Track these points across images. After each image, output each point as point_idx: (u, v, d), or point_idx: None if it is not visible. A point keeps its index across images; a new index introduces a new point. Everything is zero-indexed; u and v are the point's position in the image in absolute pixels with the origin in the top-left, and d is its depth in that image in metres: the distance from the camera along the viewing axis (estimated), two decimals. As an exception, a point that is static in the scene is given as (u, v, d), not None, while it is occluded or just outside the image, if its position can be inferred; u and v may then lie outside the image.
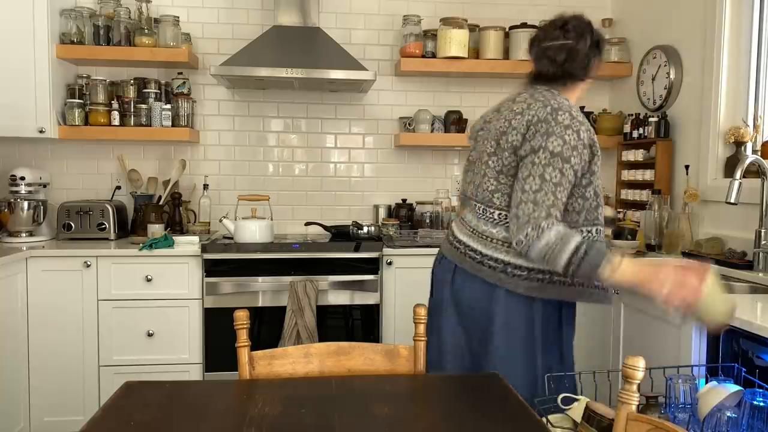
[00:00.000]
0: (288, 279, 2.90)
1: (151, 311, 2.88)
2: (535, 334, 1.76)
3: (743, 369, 1.68)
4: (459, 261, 1.83)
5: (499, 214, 1.76)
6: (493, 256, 1.75)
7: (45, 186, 3.21)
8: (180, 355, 2.91)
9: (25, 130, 3.01)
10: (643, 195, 3.11)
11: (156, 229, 3.07)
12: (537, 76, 1.82)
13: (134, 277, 2.86)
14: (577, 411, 1.50)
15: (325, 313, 2.94)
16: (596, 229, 1.76)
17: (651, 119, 3.07)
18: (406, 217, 3.45)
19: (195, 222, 3.40)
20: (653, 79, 3.17)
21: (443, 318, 1.87)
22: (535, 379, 1.75)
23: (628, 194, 3.24)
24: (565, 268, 1.58)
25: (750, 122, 2.66)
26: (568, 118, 1.68)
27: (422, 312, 1.59)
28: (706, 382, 1.53)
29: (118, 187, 3.41)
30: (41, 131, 3.01)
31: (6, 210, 3.02)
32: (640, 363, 1.12)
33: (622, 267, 1.56)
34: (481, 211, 1.80)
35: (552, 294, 1.73)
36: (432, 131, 3.44)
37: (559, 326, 1.82)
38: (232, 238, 3.01)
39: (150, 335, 2.88)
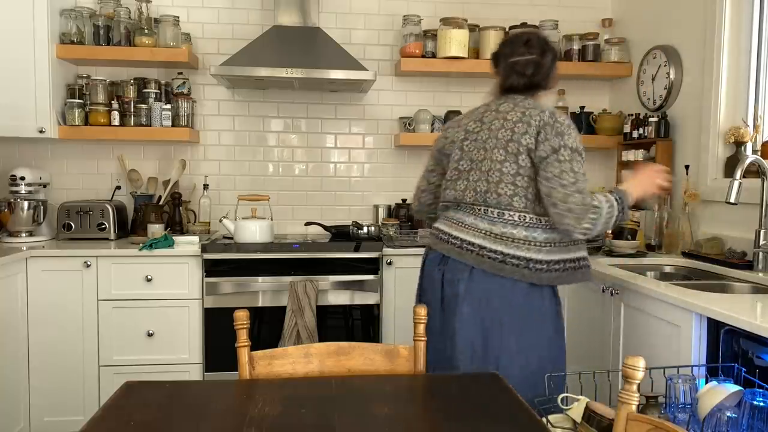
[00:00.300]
0: (288, 279, 2.90)
1: (151, 311, 2.88)
2: (557, 318, 2.00)
3: (743, 369, 1.68)
4: (476, 263, 1.93)
5: (520, 216, 1.91)
6: (515, 254, 1.91)
7: (45, 186, 3.21)
8: (180, 355, 2.91)
9: (25, 130, 3.01)
10: (643, 195, 3.11)
11: (156, 229, 3.07)
12: (508, 88, 2.03)
13: (134, 277, 2.86)
14: (576, 411, 1.50)
15: (325, 313, 2.94)
16: None
17: (651, 119, 3.07)
18: (406, 217, 3.45)
19: (195, 222, 3.40)
20: (653, 79, 3.17)
21: (457, 317, 1.95)
22: (556, 358, 1.98)
23: (628, 194, 3.24)
24: (620, 218, 1.90)
25: (750, 122, 2.66)
26: (566, 119, 1.92)
27: (422, 312, 1.59)
28: (706, 382, 1.54)
29: (118, 187, 3.41)
30: (41, 131, 3.01)
31: (6, 210, 3.02)
32: (640, 363, 1.12)
33: (630, 196, 1.94)
34: (496, 215, 1.93)
35: (563, 281, 1.95)
36: (432, 131, 3.44)
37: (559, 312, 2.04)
38: (232, 238, 3.01)
39: (150, 335, 2.88)
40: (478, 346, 1.94)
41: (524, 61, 1.99)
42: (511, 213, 1.91)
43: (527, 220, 1.91)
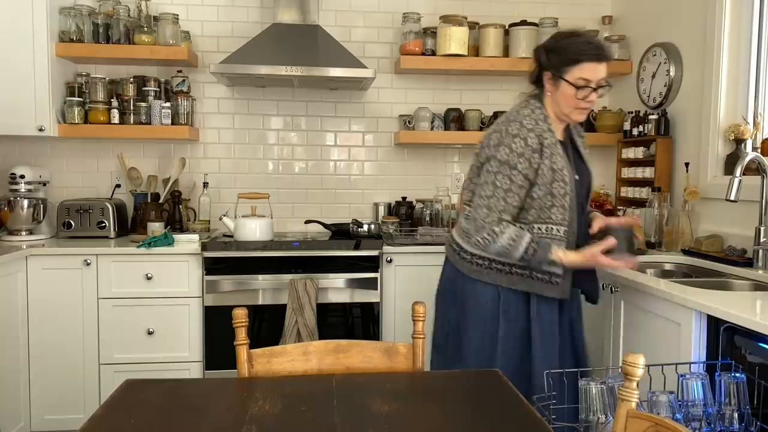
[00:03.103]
0: (288, 277, 2.90)
1: (151, 309, 2.88)
2: (498, 324, 1.99)
3: (740, 366, 1.68)
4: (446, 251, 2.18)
5: (465, 207, 2.07)
6: (456, 240, 2.10)
7: (45, 184, 3.21)
8: (180, 353, 2.91)
9: (24, 129, 3.01)
10: (643, 192, 3.11)
11: (156, 228, 3.07)
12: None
13: (134, 275, 2.86)
14: None
15: (325, 311, 2.94)
16: (547, 227, 1.94)
17: (651, 117, 3.07)
18: (405, 215, 3.45)
19: (195, 220, 3.40)
20: (653, 77, 3.17)
21: (437, 305, 2.19)
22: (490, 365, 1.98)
23: (628, 192, 3.24)
24: (520, 261, 1.92)
25: (750, 119, 2.66)
26: (517, 129, 1.91)
27: (421, 310, 1.59)
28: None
29: (118, 186, 3.41)
30: (41, 129, 3.01)
31: (6, 208, 3.02)
32: (640, 360, 1.12)
33: (567, 258, 1.90)
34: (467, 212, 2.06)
35: (488, 279, 1.99)
36: (432, 129, 3.44)
37: (527, 321, 2.00)
38: (232, 236, 3.01)
39: (150, 333, 2.88)
40: (452, 333, 2.12)
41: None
42: (468, 208, 2.03)
43: (467, 212, 2.03)
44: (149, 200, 3.29)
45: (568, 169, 1.94)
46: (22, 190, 3.06)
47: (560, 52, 1.92)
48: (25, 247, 2.83)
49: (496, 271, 1.99)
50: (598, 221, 2.04)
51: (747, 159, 2.26)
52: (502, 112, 3.41)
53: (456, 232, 2.12)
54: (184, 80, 3.30)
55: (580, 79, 1.90)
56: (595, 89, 1.92)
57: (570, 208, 1.94)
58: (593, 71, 1.90)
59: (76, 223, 3.12)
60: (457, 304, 2.06)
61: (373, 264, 2.97)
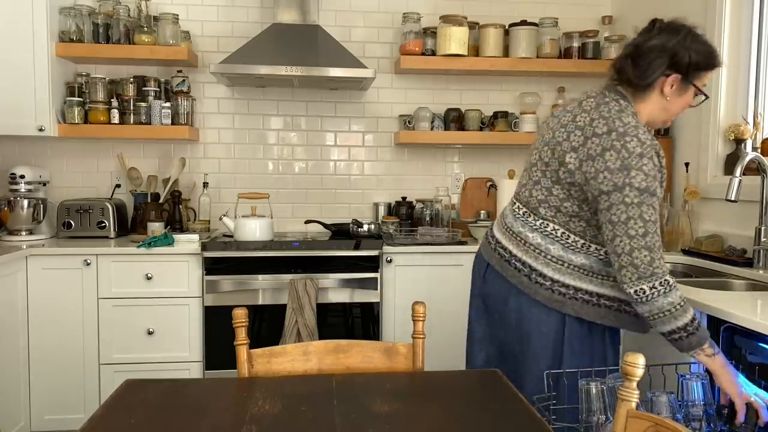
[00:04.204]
0: (288, 277, 2.90)
1: (151, 309, 2.88)
2: (562, 348, 1.72)
3: (740, 365, 1.68)
4: (488, 257, 1.86)
5: (542, 223, 1.73)
6: (521, 258, 1.75)
7: (45, 184, 3.21)
8: (180, 353, 2.91)
9: (24, 129, 3.01)
10: (643, 192, 3.11)
11: (156, 228, 3.07)
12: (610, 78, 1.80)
13: (134, 275, 2.86)
14: None
15: (325, 311, 2.94)
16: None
17: (651, 117, 3.07)
18: (406, 215, 3.45)
19: (195, 220, 3.40)
20: (653, 77, 3.16)
21: (472, 310, 1.93)
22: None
23: (628, 192, 3.24)
24: (671, 333, 1.57)
25: (750, 119, 2.66)
26: (639, 145, 1.58)
27: (421, 310, 1.59)
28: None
29: (118, 186, 3.41)
30: (41, 129, 3.01)
31: (6, 208, 3.02)
32: (640, 360, 1.12)
33: (716, 358, 1.56)
34: (521, 213, 1.79)
35: (570, 310, 1.70)
36: (432, 129, 3.44)
37: (591, 345, 1.75)
38: (232, 236, 3.01)
39: (150, 333, 2.88)
40: (493, 345, 1.89)
41: (629, 45, 1.74)
42: (535, 217, 1.74)
43: (549, 230, 1.72)
44: (149, 200, 3.29)
45: None
46: (22, 190, 3.06)
47: (703, 56, 1.68)
48: (25, 247, 2.83)
49: (581, 302, 1.70)
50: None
51: (747, 159, 2.26)
52: (503, 112, 3.47)
53: (521, 253, 1.75)
54: (184, 80, 3.30)
55: (704, 85, 1.72)
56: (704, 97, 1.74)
57: None
58: (708, 79, 1.74)
59: (76, 223, 3.12)
60: (515, 331, 1.79)
61: (373, 264, 2.97)
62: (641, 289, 1.56)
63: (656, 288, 1.55)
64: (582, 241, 1.70)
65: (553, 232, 1.71)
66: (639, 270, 1.56)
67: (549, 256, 1.70)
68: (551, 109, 3.55)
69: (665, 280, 1.55)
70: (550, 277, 1.70)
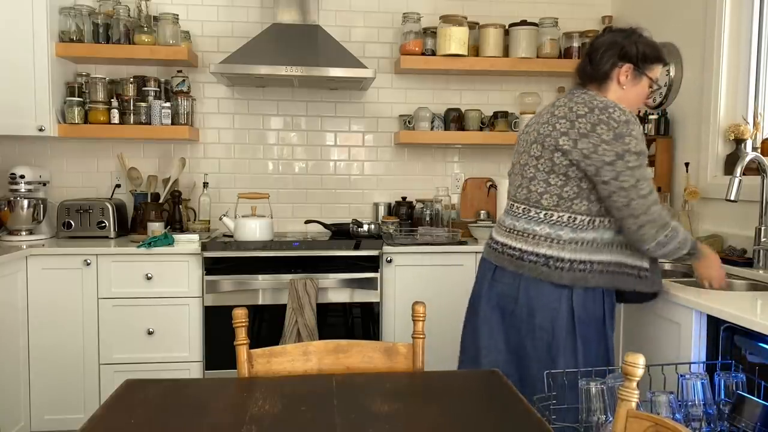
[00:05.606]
0: (288, 277, 2.90)
1: (151, 309, 2.88)
2: (578, 329, 1.83)
3: (740, 365, 1.68)
4: (497, 261, 1.93)
5: (546, 213, 1.84)
6: (533, 251, 1.84)
7: (45, 184, 3.21)
8: (180, 353, 2.91)
9: (24, 129, 3.01)
10: (643, 192, 3.11)
11: (156, 228, 3.07)
12: (575, 78, 2.00)
13: (134, 275, 2.86)
14: None
15: (325, 311, 2.94)
16: (609, 220, 1.87)
17: (651, 117, 3.07)
18: (406, 215, 3.45)
19: (195, 220, 3.40)
20: (653, 77, 3.16)
21: (479, 316, 1.97)
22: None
23: (628, 192, 3.24)
24: (679, 259, 1.90)
25: (750, 119, 2.66)
26: (623, 114, 1.77)
27: (421, 310, 1.59)
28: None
29: (118, 186, 3.41)
30: (41, 129, 3.01)
31: (6, 208, 3.02)
32: (640, 360, 1.12)
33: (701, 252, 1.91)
34: (521, 211, 1.90)
35: (595, 282, 1.82)
36: (432, 129, 3.44)
37: (603, 323, 1.88)
38: (232, 236, 3.01)
39: (150, 333, 2.88)
40: (502, 347, 1.92)
41: (589, 45, 1.96)
42: (538, 210, 1.85)
43: (555, 218, 1.83)
44: (149, 200, 3.29)
45: None
46: (22, 190, 3.06)
47: (650, 49, 1.89)
48: (25, 247, 2.83)
49: (598, 273, 1.83)
50: None
51: (747, 159, 2.26)
52: (503, 112, 3.47)
53: (533, 246, 1.85)
54: (184, 80, 3.30)
55: (656, 79, 1.93)
56: (655, 90, 2.01)
57: None
58: (659, 73, 1.95)
59: (76, 223, 3.12)
60: (527, 324, 1.87)
61: (373, 264, 2.97)
62: (659, 241, 1.79)
63: (668, 234, 1.79)
64: (588, 218, 1.82)
65: (560, 219, 1.83)
66: (657, 223, 1.77)
67: (562, 241, 1.82)
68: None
69: (673, 226, 1.81)
70: (568, 259, 1.81)
